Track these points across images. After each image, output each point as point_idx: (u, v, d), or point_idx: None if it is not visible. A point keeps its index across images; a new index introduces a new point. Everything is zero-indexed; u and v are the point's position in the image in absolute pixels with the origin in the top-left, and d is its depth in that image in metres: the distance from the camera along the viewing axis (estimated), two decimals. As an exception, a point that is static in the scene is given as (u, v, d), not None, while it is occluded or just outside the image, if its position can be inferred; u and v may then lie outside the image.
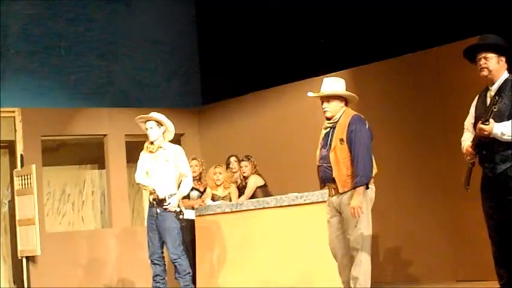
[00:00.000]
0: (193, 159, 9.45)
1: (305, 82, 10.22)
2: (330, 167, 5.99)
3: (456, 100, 8.20)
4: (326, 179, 6.06)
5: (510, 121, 5.13)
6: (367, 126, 6.01)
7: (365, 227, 5.96)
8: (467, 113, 5.52)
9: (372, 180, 6.06)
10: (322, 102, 6.11)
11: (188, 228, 9.10)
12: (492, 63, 5.28)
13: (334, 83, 6.13)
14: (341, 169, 5.95)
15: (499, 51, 5.29)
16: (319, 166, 6.12)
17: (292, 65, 10.75)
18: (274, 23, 11.12)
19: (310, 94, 6.24)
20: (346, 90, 6.18)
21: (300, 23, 10.79)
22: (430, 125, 8.92)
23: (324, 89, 6.11)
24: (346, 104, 6.14)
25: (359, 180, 5.85)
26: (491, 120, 5.13)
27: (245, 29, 11.59)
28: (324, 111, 6.10)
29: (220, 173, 9.35)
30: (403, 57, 9.26)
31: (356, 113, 6.09)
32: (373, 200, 6.08)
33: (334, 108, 6.07)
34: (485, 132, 5.14)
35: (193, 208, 9.28)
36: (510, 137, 5.11)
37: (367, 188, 5.94)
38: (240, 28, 11.68)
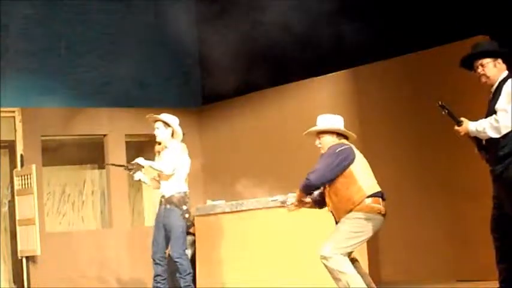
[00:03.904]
0: None
1: (305, 82, 10.22)
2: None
3: (457, 100, 8.18)
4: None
5: (484, 118, 5.31)
6: (337, 150, 6.00)
7: (333, 243, 5.91)
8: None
9: (377, 209, 5.95)
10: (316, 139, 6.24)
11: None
12: (489, 68, 5.43)
13: (325, 119, 6.21)
14: (332, 199, 6.08)
15: (493, 55, 5.39)
16: None
17: (292, 64, 10.74)
18: (273, 23, 11.10)
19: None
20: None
21: (300, 23, 10.77)
22: (431, 124, 8.92)
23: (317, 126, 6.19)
24: (346, 138, 6.19)
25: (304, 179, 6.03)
26: (464, 120, 5.35)
27: (245, 28, 11.57)
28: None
29: None
30: (404, 57, 9.26)
31: (334, 145, 6.09)
32: (364, 228, 5.93)
33: (324, 144, 6.15)
34: (461, 134, 5.38)
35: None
36: (485, 133, 5.26)
37: (308, 192, 6.14)
38: (240, 28, 11.66)
